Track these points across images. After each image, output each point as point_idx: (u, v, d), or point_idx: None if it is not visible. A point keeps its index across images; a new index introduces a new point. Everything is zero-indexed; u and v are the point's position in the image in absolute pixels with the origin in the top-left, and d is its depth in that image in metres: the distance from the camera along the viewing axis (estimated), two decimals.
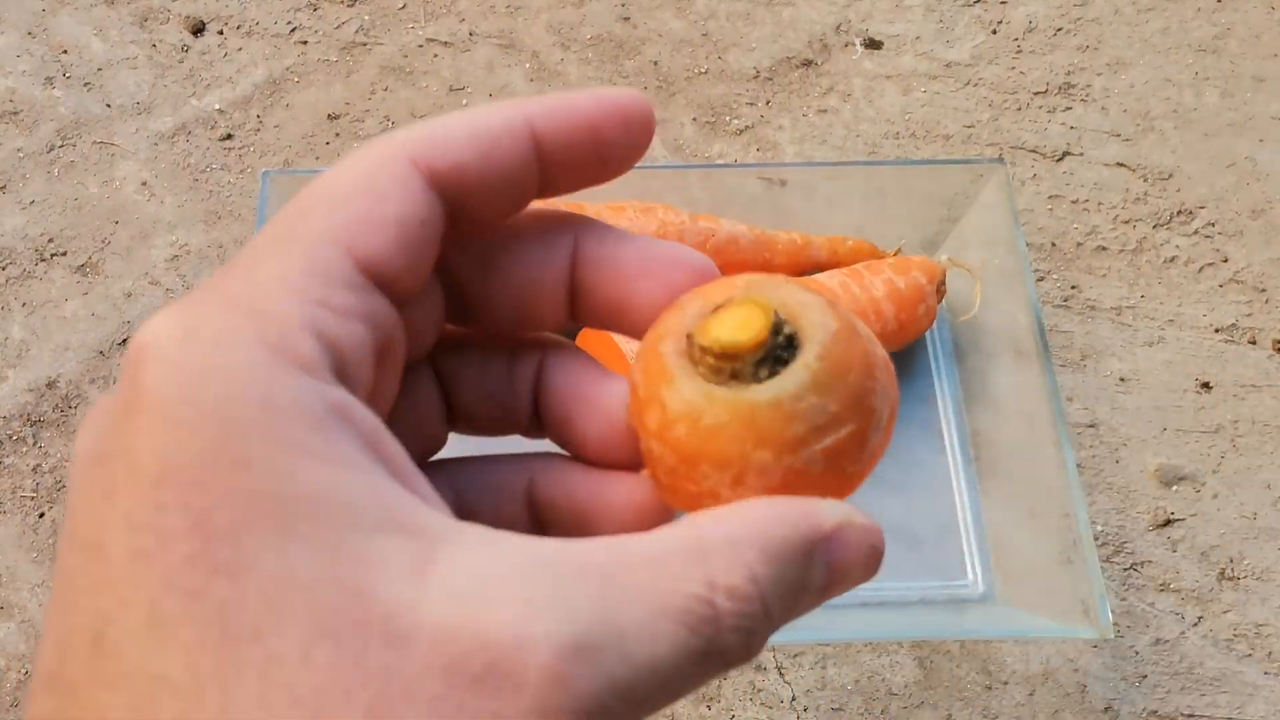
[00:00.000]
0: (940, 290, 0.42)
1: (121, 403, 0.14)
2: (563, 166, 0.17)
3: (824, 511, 0.16)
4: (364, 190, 0.16)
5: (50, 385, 0.41)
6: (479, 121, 0.16)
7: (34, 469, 0.40)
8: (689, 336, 0.18)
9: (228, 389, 0.13)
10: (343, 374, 0.15)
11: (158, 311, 0.14)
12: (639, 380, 0.19)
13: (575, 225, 0.18)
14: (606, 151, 0.17)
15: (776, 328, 0.18)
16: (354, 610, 0.13)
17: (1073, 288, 0.45)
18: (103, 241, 0.44)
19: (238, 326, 0.14)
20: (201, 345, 0.14)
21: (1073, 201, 0.47)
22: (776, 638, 0.36)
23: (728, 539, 0.15)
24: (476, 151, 0.16)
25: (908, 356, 0.43)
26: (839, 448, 0.18)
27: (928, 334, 0.43)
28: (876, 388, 0.18)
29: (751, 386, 0.18)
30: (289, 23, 0.50)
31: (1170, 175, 0.48)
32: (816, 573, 0.16)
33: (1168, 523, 0.40)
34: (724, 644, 0.14)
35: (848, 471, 0.18)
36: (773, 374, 0.18)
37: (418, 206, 0.16)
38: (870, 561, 0.17)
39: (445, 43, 0.50)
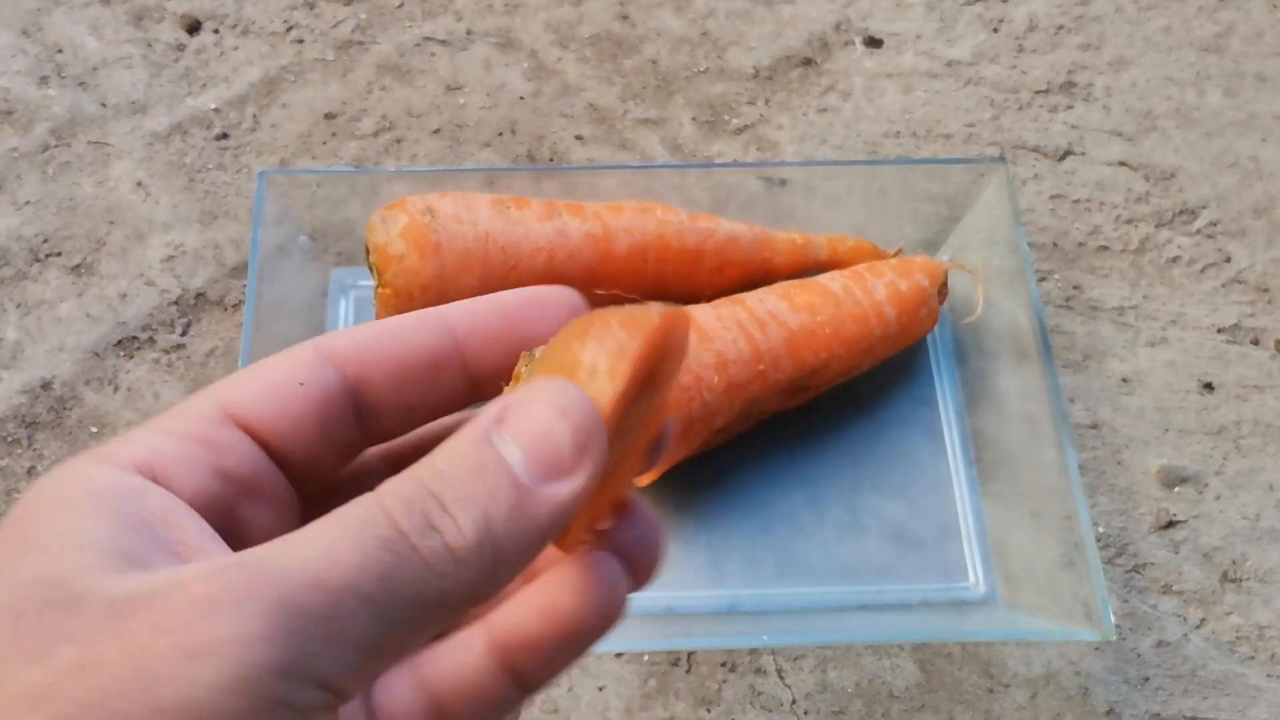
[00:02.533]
0: (942, 292, 0.41)
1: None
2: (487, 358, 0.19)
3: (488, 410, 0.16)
4: (259, 364, 0.18)
5: (45, 387, 0.41)
6: (386, 329, 0.18)
7: (28, 471, 0.39)
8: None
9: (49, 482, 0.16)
10: (158, 474, 0.17)
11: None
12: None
13: (444, 319, 0.19)
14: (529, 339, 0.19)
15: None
16: (46, 593, 0.14)
17: (1075, 288, 0.45)
18: (98, 242, 0.44)
19: (75, 465, 0.16)
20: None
21: (1074, 201, 0.47)
22: (776, 640, 0.35)
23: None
24: (379, 351, 0.18)
25: (909, 358, 0.42)
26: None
27: (929, 335, 0.43)
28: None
29: None
30: (285, 21, 0.50)
31: (1173, 174, 0.47)
32: (506, 450, 0.15)
33: (1170, 524, 0.40)
34: (420, 567, 0.15)
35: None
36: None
37: (299, 373, 0.18)
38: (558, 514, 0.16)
39: (442, 41, 0.50)
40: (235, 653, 0.13)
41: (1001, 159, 0.42)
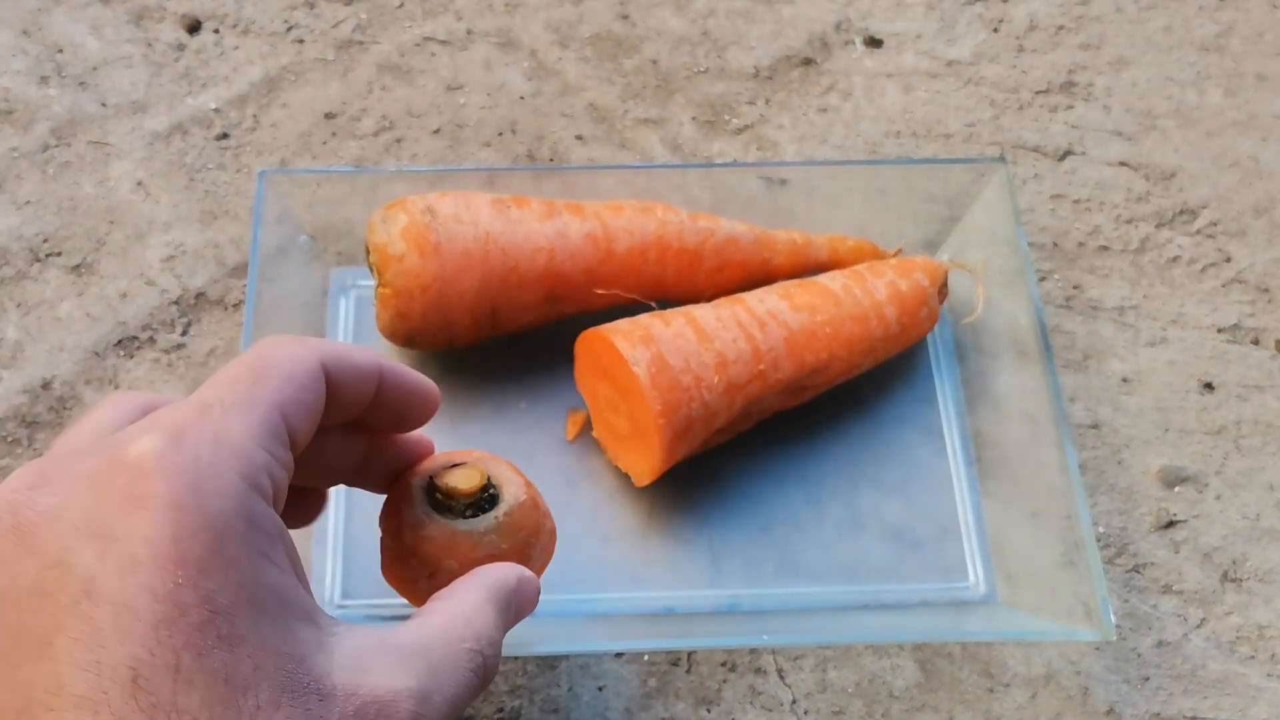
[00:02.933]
0: (942, 292, 0.41)
1: (124, 494, 0.20)
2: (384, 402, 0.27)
3: (509, 574, 0.27)
4: (298, 378, 0.23)
5: (45, 386, 0.41)
6: (355, 355, 0.25)
7: None
8: (431, 477, 0.30)
9: (223, 506, 0.20)
10: (276, 503, 0.22)
11: (151, 431, 0.21)
12: (392, 497, 0.30)
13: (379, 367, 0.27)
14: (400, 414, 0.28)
15: (486, 488, 0.29)
16: (300, 674, 0.20)
17: (1075, 287, 0.45)
18: (98, 241, 0.44)
19: (225, 462, 0.21)
20: (201, 471, 0.20)
21: (1075, 201, 0.47)
22: (776, 640, 0.35)
23: (478, 609, 0.25)
24: (353, 375, 0.25)
25: (908, 357, 0.42)
26: None
27: (929, 334, 0.43)
28: (537, 544, 0.30)
29: (458, 520, 0.29)
30: (285, 21, 0.50)
31: (1173, 174, 0.47)
32: (513, 611, 0.27)
33: (1170, 524, 0.40)
34: (487, 673, 0.24)
35: None
36: (474, 515, 0.29)
37: (320, 398, 0.24)
38: (534, 597, 0.28)
39: (442, 41, 0.50)
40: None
41: (1002, 159, 0.42)
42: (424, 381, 0.28)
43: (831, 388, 0.40)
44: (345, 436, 0.28)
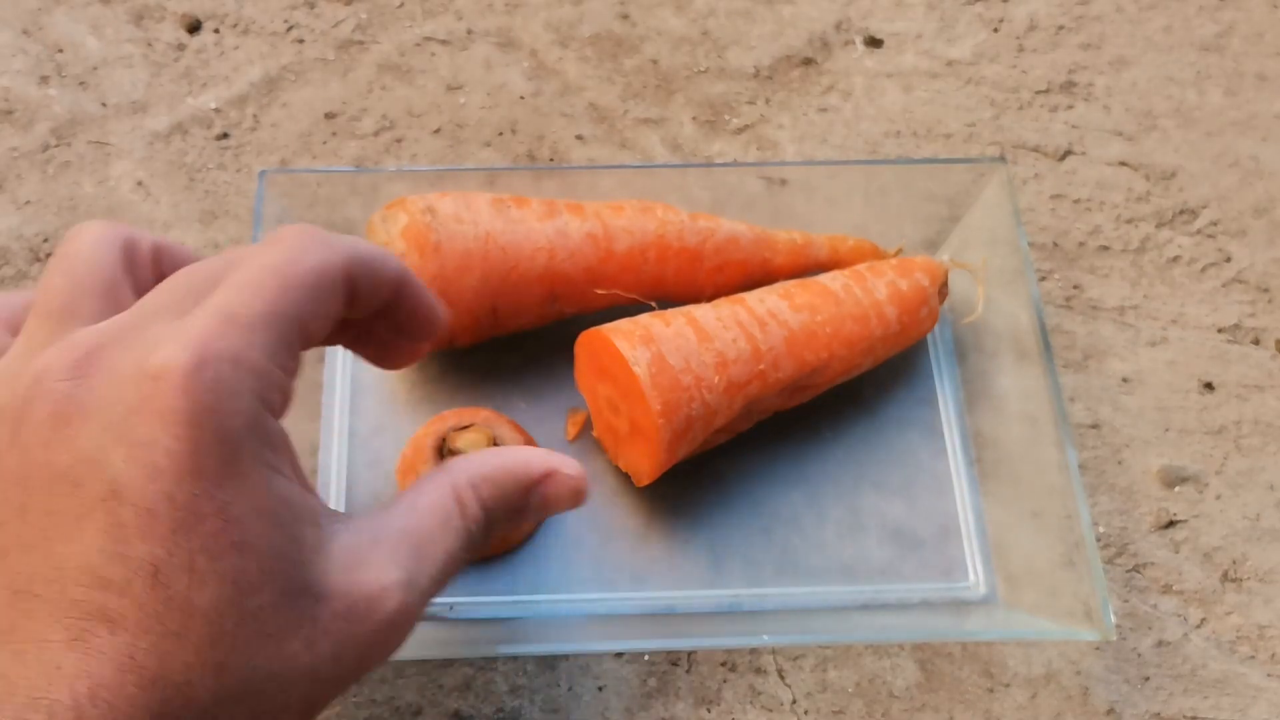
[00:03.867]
0: (943, 291, 0.41)
1: (150, 405, 0.21)
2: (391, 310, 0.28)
3: (534, 461, 0.27)
4: (323, 290, 0.24)
5: None
6: (380, 266, 0.26)
7: None
8: (442, 439, 0.36)
9: (238, 425, 0.22)
10: (282, 408, 0.24)
11: (176, 343, 0.22)
12: (408, 454, 0.36)
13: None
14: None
15: (492, 448, 0.31)
16: (299, 578, 0.22)
17: (1075, 287, 0.45)
18: None
19: (243, 382, 0.22)
20: (220, 392, 0.22)
21: (1075, 201, 0.47)
22: (776, 640, 0.35)
23: (470, 483, 0.26)
24: (374, 285, 0.26)
25: (909, 357, 0.42)
26: None
27: (929, 334, 0.43)
28: None
29: None
30: (285, 21, 0.50)
31: (1173, 174, 0.47)
32: (534, 500, 0.28)
33: (1170, 524, 0.40)
34: (473, 545, 0.26)
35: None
36: None
37: (339, 308, 0.25)
38: (575, 496, 0.28)
39: (443, 41, 0.50)
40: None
41: (1002, 159, 0.42)
42: (437, 305, 0.28)
43: (831, 387, 0.40)
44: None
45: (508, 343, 0.41)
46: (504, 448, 0.29)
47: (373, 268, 0.26)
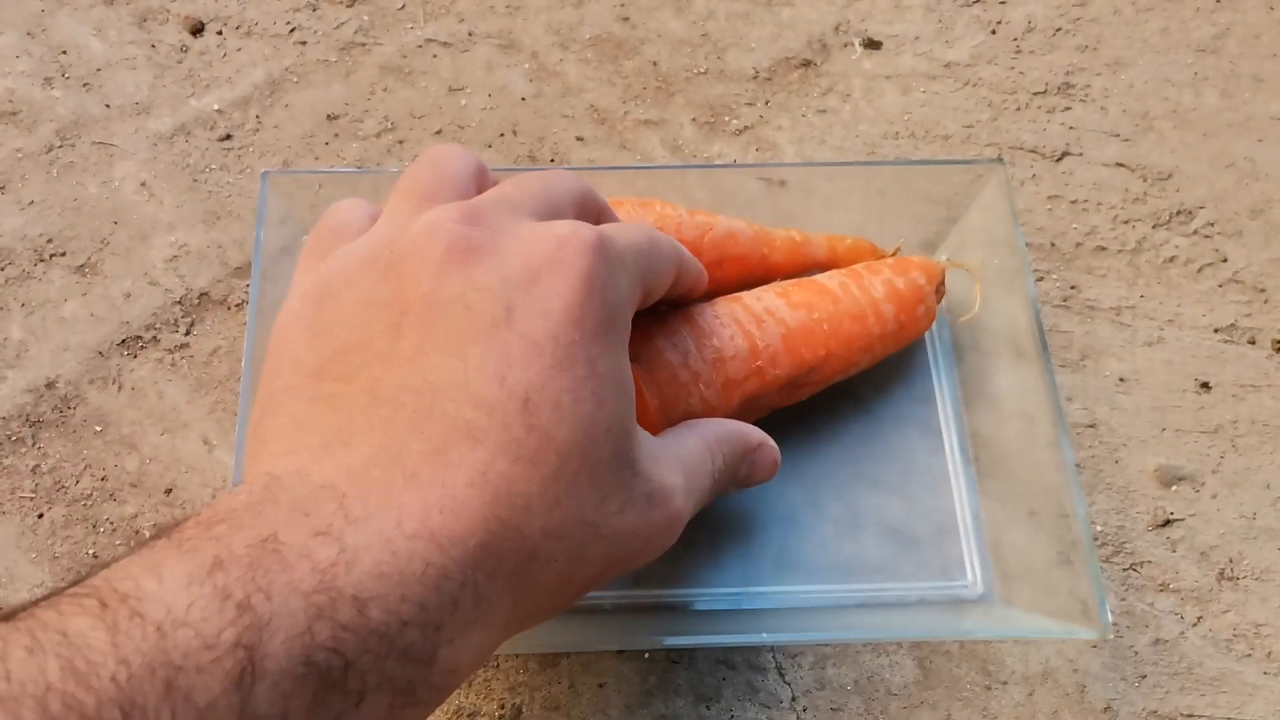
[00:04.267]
0: (940, 290, 0.41)
1: (554, 255, 0.24)
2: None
3: (752, 431, 0.33)
4: (668, 260, 0.30)
5: (49, 386, 0.41)
6: (690, 261, 0.33)
7: (33, 469, 0.40)
8: None
9: (618, 298, 0.26)
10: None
11: (584, 226, 0.25)
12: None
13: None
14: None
15: None
16: (629, 449, 0.25)
17: (1072, 288, 0.45)
18: (102, 242, 0.44)
19: (627, 269, 0.26)
20: (611, 264, 0.25)
21: (1072, 201, 0.47)
22: (775, 638, 0.36)
23: (716, 438, 0.31)
24: (690, 278, 0.33)
25: (906, 357, 0.43)
26: None
27: (927, 334, 0.43)
28: None
29: None
30: (288, 23, 0.50)
31: (1169, 175, 0.48)
32: (744, 466, 0.32)
33: (1167, 523, 0.40)
34: (715, 491, 0.31)
35: None
36: None
37: (669, 283, 0.31)
38: (774, 467, 0.34)
39: (444, 43, 0.50)
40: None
41: (999, 159, 0.42)
42: (701, 272, 0.34)
43: (828, 386, 0.40)
44: None
45: None
46: (728, 420, 0.33)
47: (692, 270, 0.32)
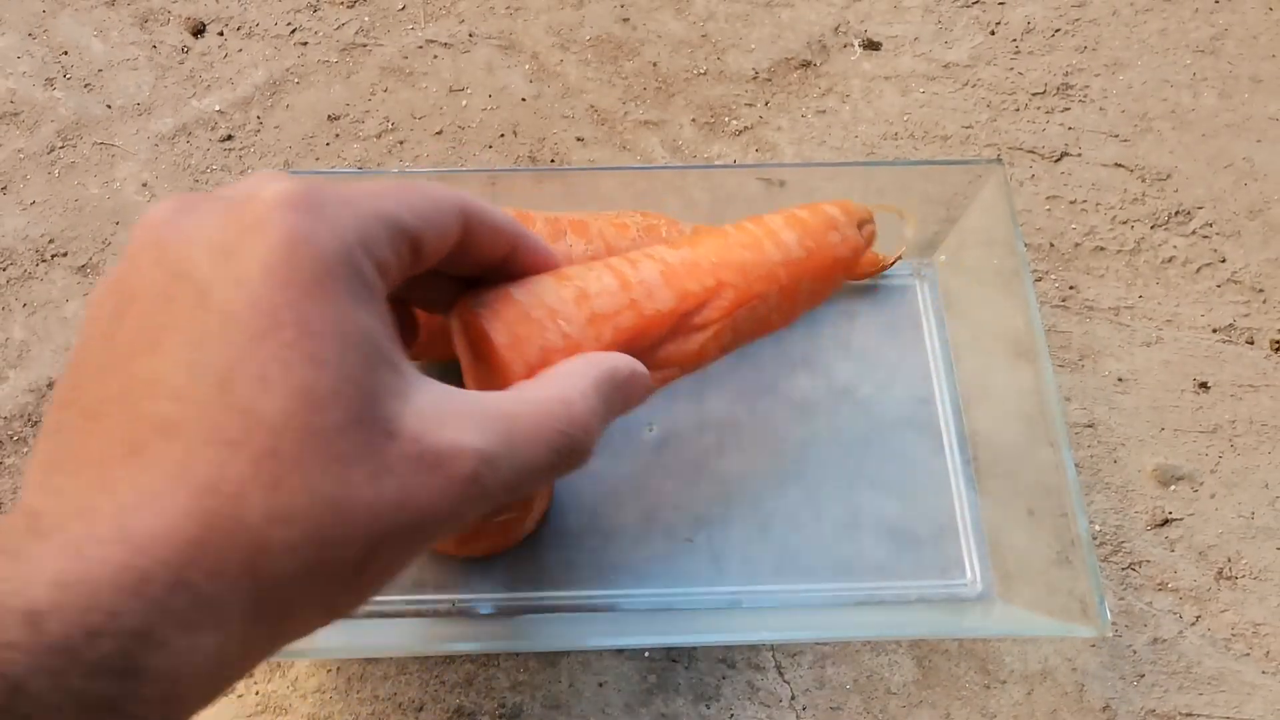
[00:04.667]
0: (866, 230, 0.39)
1: (250, 220, 0.21)
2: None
3: (621, 364, 0.28)
4: (437, 203, 0.26)
5: (51, 386, 0.41)
6: (495, 217, 0.28)
7: None
8: None
9: (334, 247, 0.22)
10: (388, 285, 0.24)
11: (289, 179, 0.22)
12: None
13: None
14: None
15: None
16: (372, 409, 0.21)
17: (1071, 288, 0.45)
18: (103, 242, 0.44)
19: (346, 219, 0.23)
20: (322, 216, 0.22)
21: (1071, 202, 0.47)
22: (775, 637, 0.36)
23: (580, 393, 0.26)
24: (490, 230, 0.28)
25: (905, 357, 0.43)
26: (508, 521, 0.36)
27: (925, 335, 0.43)
28: (538, 494, 0.36)
29: None
30: (289, 24, 0.50)
31: (1168, 176, 0.48)
32: (619, 400, 0.27)
33: (1165, 522, 0.40)
34: (572, 456, 0.25)
35: (510, 534, 0.37)
36: None
37: (452, 232, 0.26)
38: (644, 392, 0.29)
39: (445, 44, 0.50)
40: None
41: (998, 160, 0.42)
42: (553, 255, 0.30)
43: (761, 331, 0.37)
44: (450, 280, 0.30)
45: None
46: (600, 354, 0.29)
47: (489, 217, 0.27)
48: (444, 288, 0.30)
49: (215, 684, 0.21)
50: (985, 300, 0.41)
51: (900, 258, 0.43)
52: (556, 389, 0.25)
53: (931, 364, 0.43)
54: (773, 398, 0.41)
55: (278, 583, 0.20)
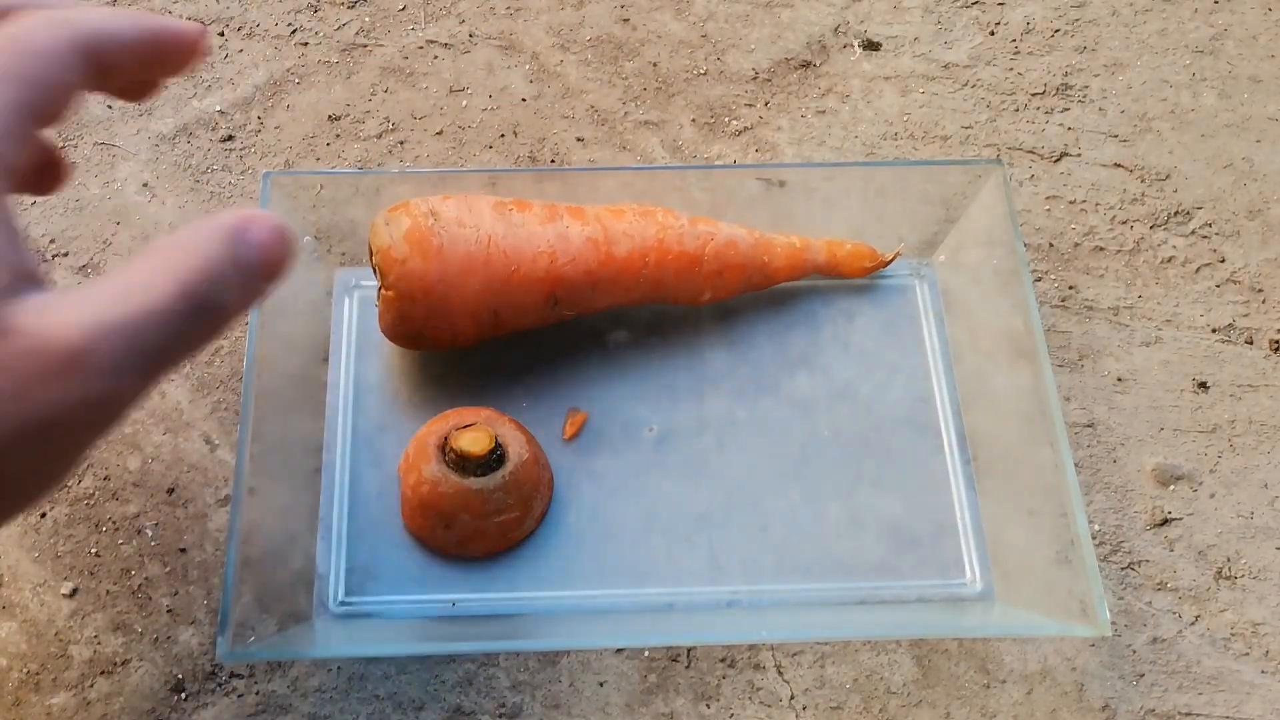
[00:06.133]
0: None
1: None
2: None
3: (227, 216, 0.24)
4: (53, 60, 0.24)
5: None
6: (117, 32, 0.25)
7: None
8: (445, 439, 0.37)
9: None
10: (8, 179, 0.23)
11: None
12: (411, 452, 0.38)
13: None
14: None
15: (494, 449, 0.36)
16: None
17: (1070, 288, 0.45)
18: (104, 242, 0.44)
19: None
20: None
21: (1070, 202, 0.47)
22: (775, 636, 0.36)
23: (190, 252, 0.23)
24: (116, 52, 0.26)
25: (904, 357, 0.43)
26: (508, 522, 0.37)
27: (925, 335, 0.43)
28: (538, 494, 0.37)
29: (470, 478, 0.36)
30: (289, 24, 0.50)
31: (1167, 176, 0.48)
32: (243, 251, 0.24)
33: (1165, 522, 0.40)
34: (206, 312, 0.23)
35: (509, 535, 0.37)
36: (484, 474, 0.36)
37: (73, 80, 0.24)
38: (284, 240, 0.25)
39: (445, 44, 0.50)
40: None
41: (998, 160, 0.42)
42: (196, 33, 0.27)
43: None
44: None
45: (508, 343, 0.41)
46: (221, 218, 0.25)
47: (110, 37, 0.25)
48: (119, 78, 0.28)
49: None
50: (985, 300, 0.42)
51: (899, 254, 0.43)
52: (159, 262, 0.23)
53: (931, 364, 0.43)
54: (773, 398, 0.42)
55: None
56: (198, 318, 0.23)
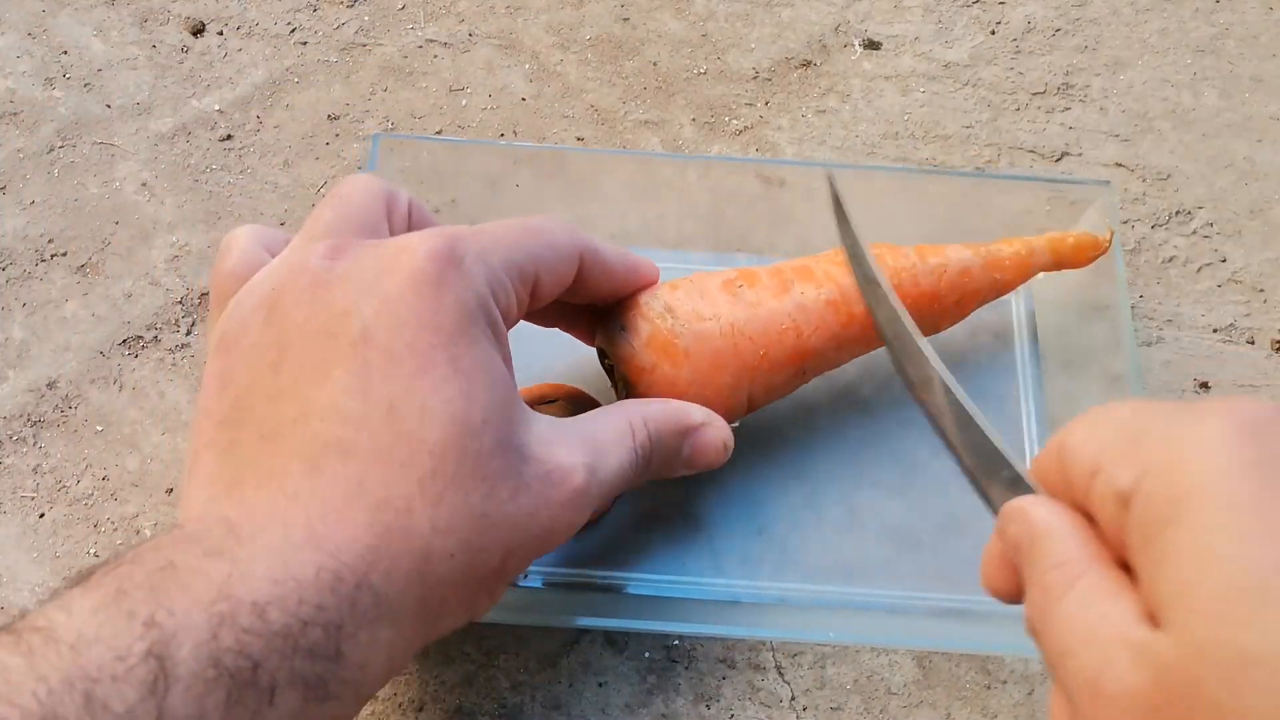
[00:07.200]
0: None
1: (403, 271, 0.26)
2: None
3: (693, 413, 0.33)
4: (559, 250, 0.30)
5: (50, 385, 0.41)
6: (609, 258, 0.32)
7: (34, 469, 0.40)
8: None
9: (470, 298, 0.26)
10: (508, 323, 0.29)
11: (436, 235, 0.27)
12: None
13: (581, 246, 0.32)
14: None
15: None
16: (513, 435, 0.26)
17: None
18: (103, 242, 0.44)
19: (479, 271, 0.27)
20: (461, 269, 0.26)
21: (1071, 202, 0.47)
22: (775, 636, 0.36)
23: (641, 416, 0.31)
24: (600, 274, 0.32)
25: (994, 376, 0.43)
26: None
27: (1017, 350, 0.43)
28: None
29: None
30: (289, 23, 0.50)
31: (1168, 175, 0.48)
32: (685, 447, 0.32)
33: None
34: (638, 468, 0.30)
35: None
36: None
37: (569, 275, 0.31)
38: (724, 450, 0.34)
39: (445, 43, 0.50)
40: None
41: (1106, 182, 0.41)
42: (650, 276, 0.34)
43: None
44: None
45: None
46: (669, 400, 0.33)
47: (603, 258, 0.31)
48: (559, 312, 0.35)
49: (387, 672, 0.24)
50: (990, 304, 0.41)
51: (1112, 234, 0.41)
52: (624, 415, 0.31)
53: (1020, 381, 0.42)
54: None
55: (439, 585, 0.24)
56: (640, 479, 0.31)
